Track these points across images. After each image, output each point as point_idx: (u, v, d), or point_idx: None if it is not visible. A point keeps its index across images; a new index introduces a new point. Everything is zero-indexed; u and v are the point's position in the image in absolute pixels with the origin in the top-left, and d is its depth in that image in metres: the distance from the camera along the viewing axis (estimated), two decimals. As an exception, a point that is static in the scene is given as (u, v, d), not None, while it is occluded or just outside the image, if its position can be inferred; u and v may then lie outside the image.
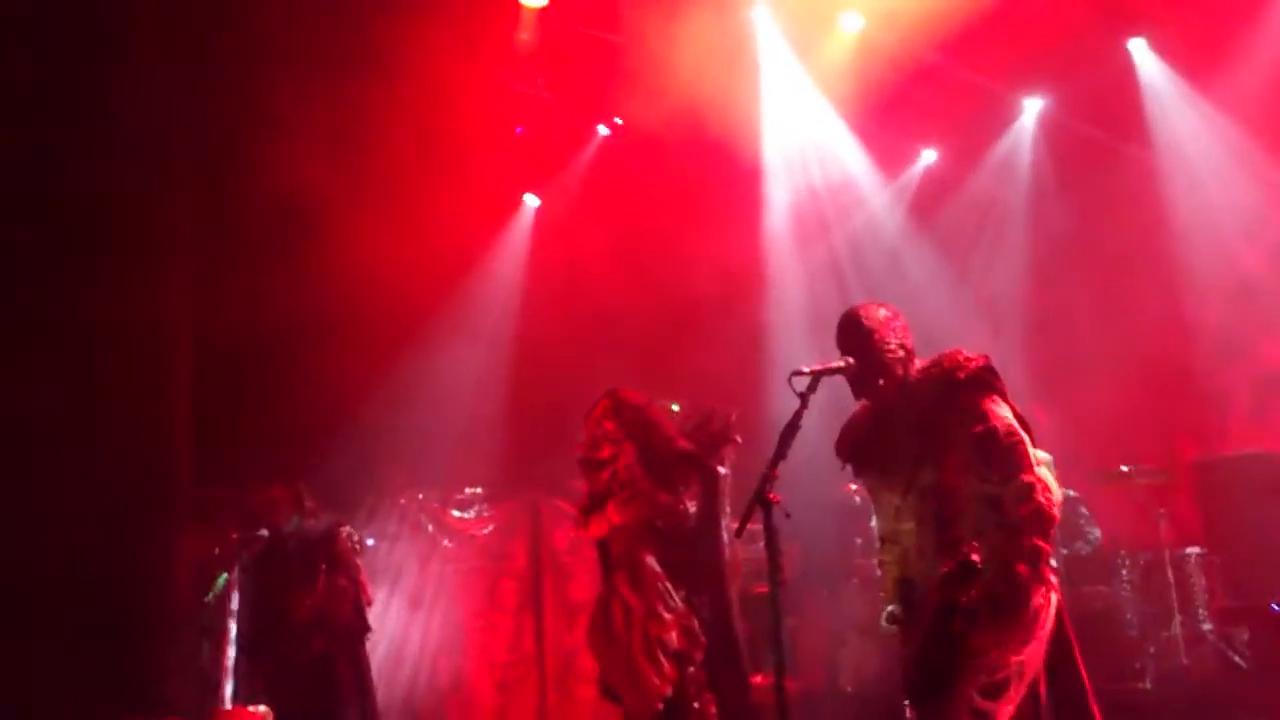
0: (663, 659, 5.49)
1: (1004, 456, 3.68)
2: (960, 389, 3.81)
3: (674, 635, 5.54)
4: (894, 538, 3.92)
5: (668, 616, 5.55)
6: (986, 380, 3.83)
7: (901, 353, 3.98)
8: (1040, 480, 3.65)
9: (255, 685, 6.34)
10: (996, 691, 3.57)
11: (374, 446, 8.49)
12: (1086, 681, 3.81)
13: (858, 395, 4.07)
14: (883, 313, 4.03)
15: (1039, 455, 3.82)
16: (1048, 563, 3.67)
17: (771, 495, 3.70)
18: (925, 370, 3.95)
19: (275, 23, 7.92)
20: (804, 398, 3.83)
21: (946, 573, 3.56)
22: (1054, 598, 3.70)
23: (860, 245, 9.80)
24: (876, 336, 3.96)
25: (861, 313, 4.04)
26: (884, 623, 3.93)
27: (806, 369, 3.88)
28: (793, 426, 3.81)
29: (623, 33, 8.71)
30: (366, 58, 8.07)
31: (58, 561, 6.90)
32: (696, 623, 5.60)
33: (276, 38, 7.93)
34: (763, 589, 7.83)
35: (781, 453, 3.77)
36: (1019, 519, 3.58)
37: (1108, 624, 7.07)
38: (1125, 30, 9.23)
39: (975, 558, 3.55)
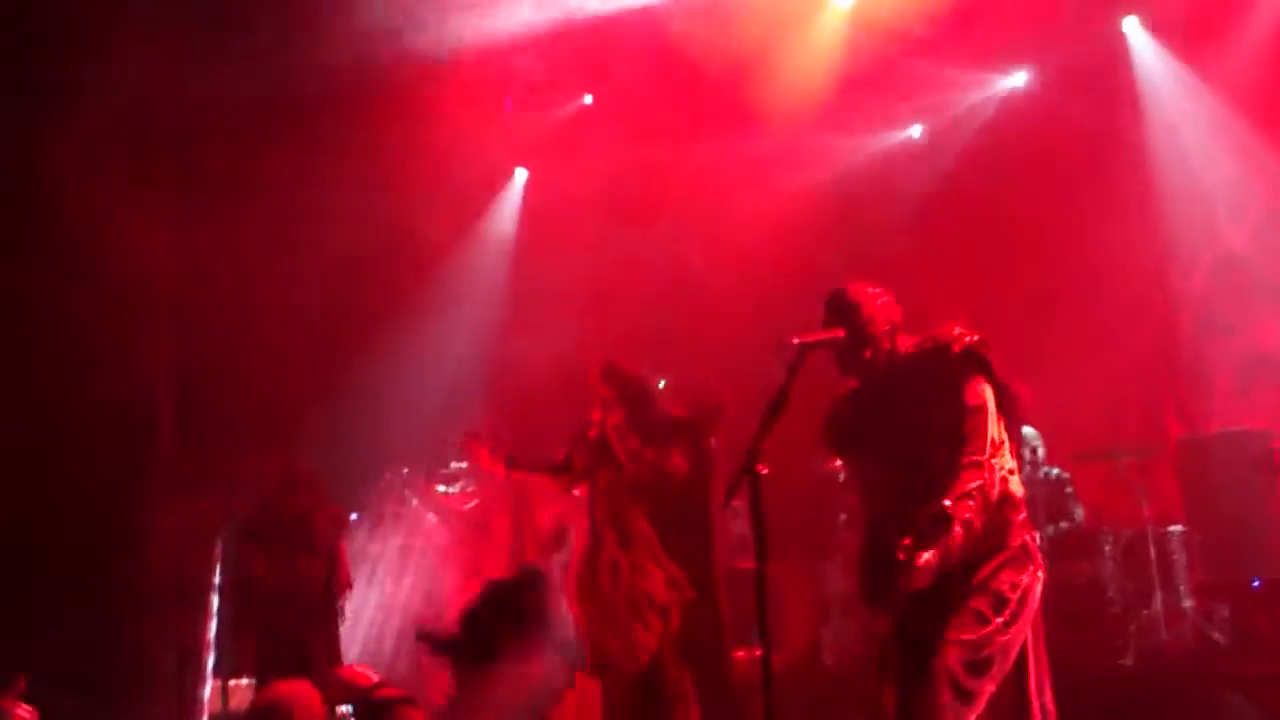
0: (649, 614, 5.52)
1: (967, 431, 3.69)
2: (952, 363, 3.81)
3: (660, 588, 5.57)
4: (877, 513, 3.92)
5: (655, 571, 5.58)
6: (979, 357, 3.83)
7: (889, 327, 3.98)
8: (991, 468, 3.65)
9: (239, 659, 6.36)
10: (980, 669, 3.58)
11: (359, 421, 8.47)
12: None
13: (843, 372, 4.06)
14: (870, 289, 4.03)
15: (1024, 431, 3.84)
16: (1019, 538, 3.70)
17: (760, 467, 3.69)
18: (919, 345, 3.95)
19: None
20: (792, 369, 3.82)
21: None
22: (1040, 577, 3.72)
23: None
24: (864, 311, 3.96)
25: (849, 288, 4.03)
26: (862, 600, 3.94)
27: (796, 340, 3.86)
28: (781, 399, 3.79)
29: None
30: (352, 32, 8.01)
31: (38, 531, 6.88)
32: (683, 574, 5.62)
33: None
34: (747, 564, 7.90)
35: (769, 426, 3.75)
36: (963, 492, 3.60)
37: (1090, 600, 7.11)
38: (1119, 7, 9.22)
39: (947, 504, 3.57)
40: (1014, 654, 3.65)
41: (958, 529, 3.52)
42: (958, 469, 3.62)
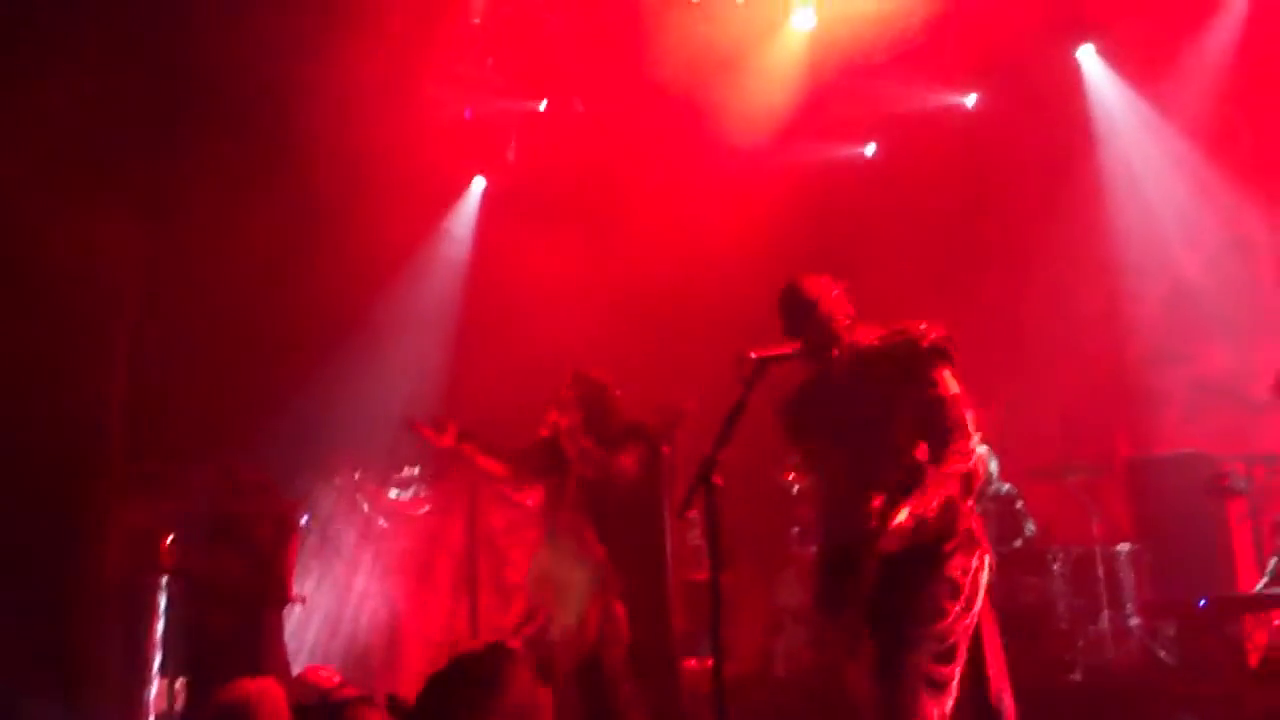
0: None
1: (951, 422, 3.74)
2: (921, 356, 3.86)
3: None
4: (836, 504, 3.95)
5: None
6: (946, 351, 3.89)
7: (848, 321, 4.02)
8: (975, 452, 3.72)
9: (179, 659, 6.27)
10: (948, 657, 3.63)
11: (312, 425, 8.39)
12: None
13: (807, 368, 4.09)
14: (824, 282, 4.07)
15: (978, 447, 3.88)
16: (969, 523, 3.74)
17: (715, 478, 3.69)
18: (885, 338, 3.99)
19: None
20: (749, 383, 3.84)
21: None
22: (988, 561, 3.78)
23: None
24: (822, 308, 3.99)
25: (804, 285, 4.06)
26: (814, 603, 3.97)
27: (753, 354, 3.88)
28: (736, 412, 3.80)
29: (566, 11, 8.73)
30: (316, 44, 7.97)
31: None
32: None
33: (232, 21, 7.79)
34: (701, 576, 7.91)
35: (725, 437, 3.75)
36: (950, 471, 3.64)
37: (1039, 616, 7.17)
38: (1074, 35, 9.35)
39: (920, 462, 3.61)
40: (971, 635, 3.71)
41: (935, 503, 3.57)
42: (945, 455, 3.67)
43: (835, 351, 3.99)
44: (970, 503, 3.81)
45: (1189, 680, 6.53)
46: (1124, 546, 7.54)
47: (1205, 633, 6.86)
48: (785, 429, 4.23)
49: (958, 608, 3.66)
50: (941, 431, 3.72)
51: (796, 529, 8.32)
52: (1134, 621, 7.24)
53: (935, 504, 3.60)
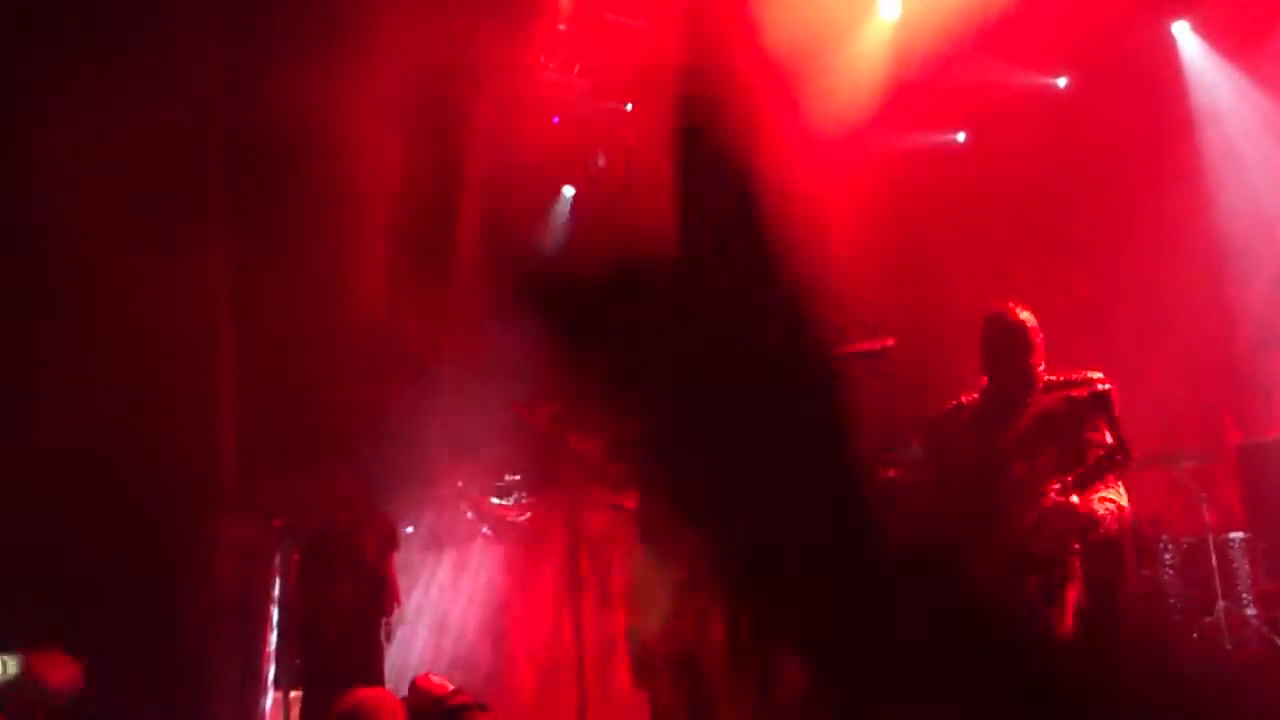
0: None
1: (1107, 469, 3.92)
2: (1088, 404, 4.15)
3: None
4: (955, 525, 4.08)
5: None
6: (1111, 404, 4.19)
7: (1041, 362, 4.33)
8: (1123, 499, 3.88)
9: (291, 672, 6.45)
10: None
11: (416, 436, 8.55)
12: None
13: (989, 387, 4.22)
14: (1033, 319, 4.29)
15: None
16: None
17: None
18: (1060, 384, 4.28)
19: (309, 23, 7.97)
20: (852, 375, 4.03)
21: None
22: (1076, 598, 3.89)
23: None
24: (1035, 354, 4.29)
25: (1023, 320, 4.35)
26: None
27: (853, 349, 4.08)
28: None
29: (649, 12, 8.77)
30: (407, 58, 8.12)
31: (105, 545, 7.01)
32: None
33: (311, 39, 7.97)
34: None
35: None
36: (1108, 499, 3.81)
37: (1151, 608, 7.04)
38: (1167, 11, 9.15)
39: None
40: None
41: (1104, 509, 3.70)
42: (1101, 484, 3.82)
43: (1023, 386, 4.20)
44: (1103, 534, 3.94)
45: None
46: (1237, 535, 7.37)
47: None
48: (932, 432, 4.42)
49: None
50: (1101, 474, 3.86)
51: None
52: (1250, 611, 7.06)
53: (1102, 510, 3.76)
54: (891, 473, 8.03)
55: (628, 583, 5.98)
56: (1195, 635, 6.91)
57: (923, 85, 9.20)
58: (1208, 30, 9.10)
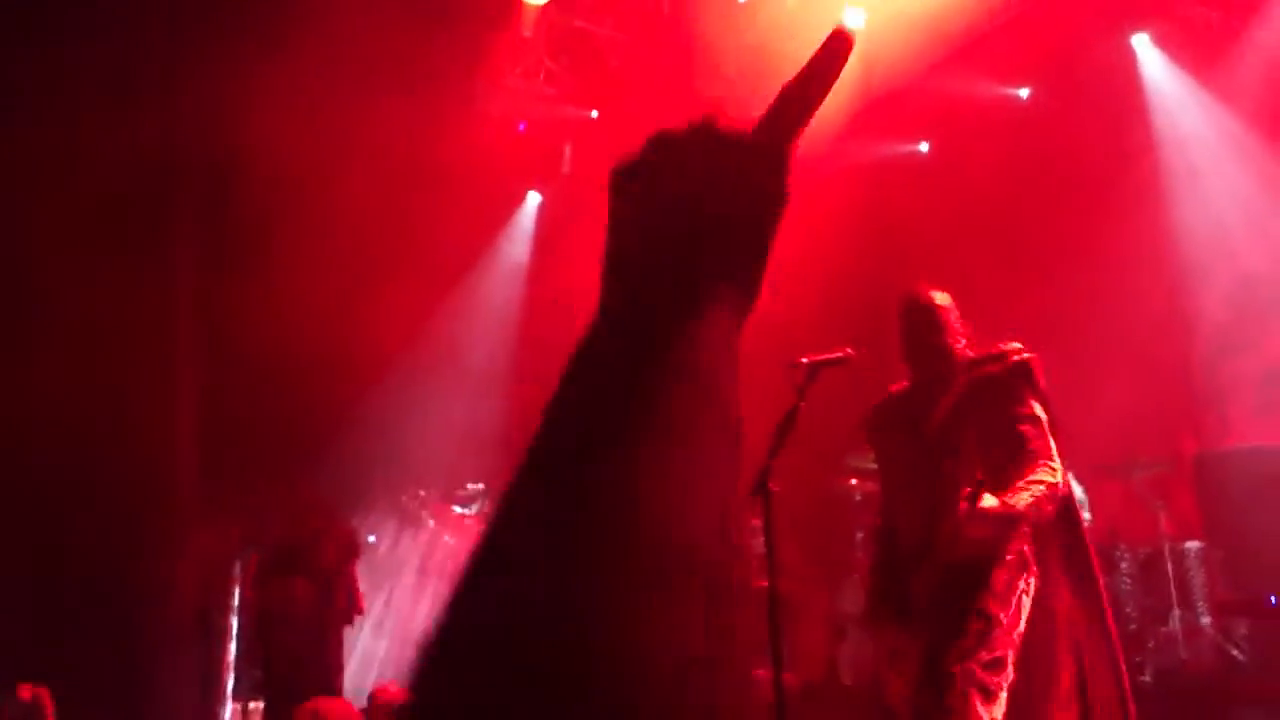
0: None
1: (1036, 444, 3.78)
2: (1008, 377, 3.97)
3: None
4: (907, 514, 4.00)
5: None
6: (1035, 376, 4.00)
7: (963, 342, 4.08)
8: (1057, 475, 3.78)
9: (251, 681, 6.40)
10: (996, 666, 3.66)
11: (378, 446, 8.51)
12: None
13: (911, 374, 4.17)
14: (947, 298, 4.17)
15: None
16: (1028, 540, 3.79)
17: (772, 485, 3.76)
18: (981, 358, 4.09)
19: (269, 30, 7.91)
20: (801, 389, 3.90)
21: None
22: (1034, 585, 3.81)
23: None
24: (949, 331, 4.08)
25: (935, 304, 4.13)
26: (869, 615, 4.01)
27: (805, 359, 3.95)
28: (790, 418, 3.86)
29: (614, 19, 8.78)
30: (366, 68, 8.08)
31: (65, 558, 6.94)
32: None
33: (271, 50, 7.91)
34: (764, 583, 7.89)
35: (779, 445, 3.81)
36: (1038, 480, 3.72)
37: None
38: (1128, 24, 9.23)
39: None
40: (1018, 652, 3.74)
41: (1028, 497, 3.63)
42: (1028, 467, 3.74)
43: (949, 372, 4.09)
44: (1033, 522, 3.84)
45: (1262, 679, 6.41)
46: (1193, 544, 7.43)
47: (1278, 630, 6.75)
48: (868, 433, 4.32)
49: (1003, 616, 3.70)
50: (1028, 453, 3.79)
51: (860, 535, 8.28)
52: (1206, 621, 7.13)
53: (1024, 502, 3.68)
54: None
55: None
56: (1151, 645, 6.96)
57: (887, 96, 9.24)
58: (1168, 44, 9.19)
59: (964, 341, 4.13)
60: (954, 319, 4.14)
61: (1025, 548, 3.84)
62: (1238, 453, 7.78)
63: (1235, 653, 6.96)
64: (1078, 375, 8.35)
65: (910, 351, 4.14)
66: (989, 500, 3.63)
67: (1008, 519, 3.66)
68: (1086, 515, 7.49)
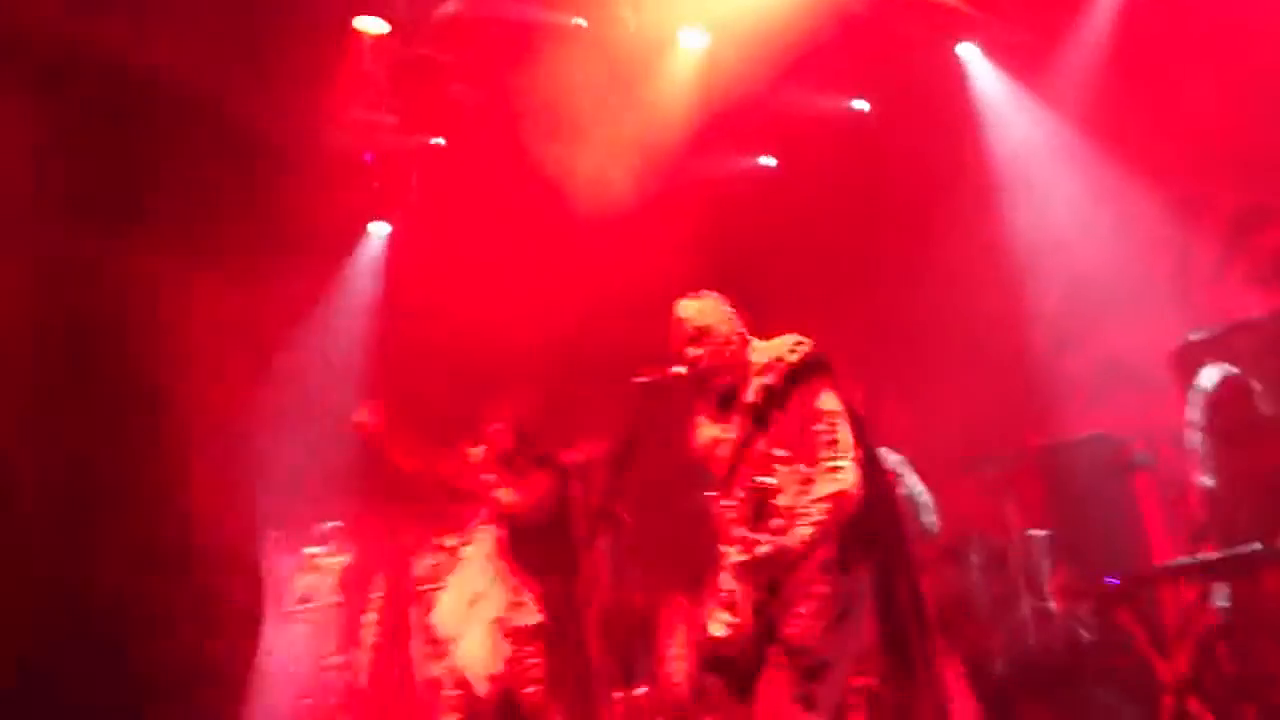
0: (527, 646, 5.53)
1: (827, 441, 3.77)
2: (795, 375, 3.90)
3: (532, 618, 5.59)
4: (724, 528, 4.01)
5: (526, 604, 5.61)
6: (823, 366, 3.92)
7: (737, 343, 4.03)
8: (848, 479, 3.74)
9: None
10: (816, 674, 3.68)
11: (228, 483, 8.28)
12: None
13: (697, 392, 4.13)
14: (712, 302, 4.09)
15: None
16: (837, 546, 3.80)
17: (617, 508, 3.76)
18: (767, 358, 4.02)
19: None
20: (638, 408, 3.89)
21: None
22: (864, 579, 3.84)
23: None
24: (714, 333, 4.01)
25: (694, 310, 4.07)
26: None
27: (639, 378, 3.93)
28: (628, 440, 3.85)
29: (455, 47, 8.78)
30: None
31: None
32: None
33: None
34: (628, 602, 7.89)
35: (622, 466, 3.81)
36: (823, 495, 3.68)
37: (959, 608, 7.29)
38: (955, 34, 9.53)
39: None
40: (848, 660, 3.77)
41: (804, 535, 3.60)
42: (818, 473, 3.70)
43: (725, 376, 4.03)
44: (842, 523, 3.85)
45: (1108, 656, 6.66)
46: (1039, 533, 7.69)
47: (1119, 609, 7.01)
48: (690, 451, 4.29)
49: (822, 625, 3.72)
50: (819, 450, 3.76)
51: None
52: (1053, 606, 7.38)
53: (805, 537, 3.63)
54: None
55: (440, 617, 5.89)
56: (1002, 633, 7.17)
57: (734, 112, 9.40)
58: (994, 51, 9.52)
59: (735, 344, 4.04)
60: (722, 323, 4.05)
61: (841, 548, 3.87)
62: (1076, 443, 8.07)
63: (1083, 633, 7.22)
64: (925, 379, 8.60)
65: (693, 365, 4.05)
66: (763, 547, 3.60)
67: (784, 557, 3.63)
68: (933, 519, 7.72)
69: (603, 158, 9.13)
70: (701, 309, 4.10)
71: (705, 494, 8.12)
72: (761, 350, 4.03)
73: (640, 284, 9.00)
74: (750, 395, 3.96)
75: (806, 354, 3.94)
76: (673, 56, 9.28)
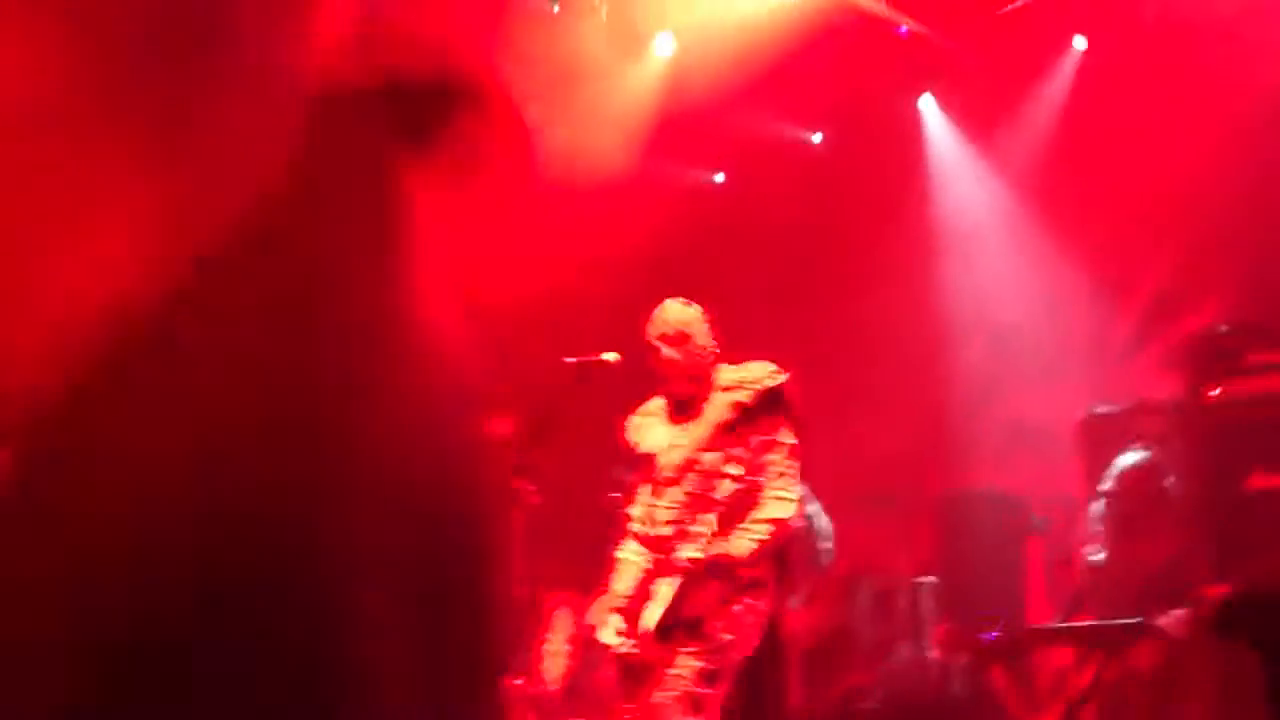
0: None
1: (781, 470, 3.89)
2: (771, 400, 4.03)
3: None
4: (654, 532, 4.06)
5: None
6: (786, 399, 4.06)
7: (713, 354, 4.12)
8: (789, 508, 3.86)
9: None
10: (711, 679, 3.78)
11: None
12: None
13: (664, 390, 4.18)
14: (694, 311, 4.18)
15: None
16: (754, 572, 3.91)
17: (522, 484, 3.77)
18: (735, 378, 4.13)
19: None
20: (571, 387, 3.95)
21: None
22: (767, 605, 3.95)
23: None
24: (696, 339, 4.09)
25: (682, 310, 4.16)
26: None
27: (569, 359, 4.00)
28: (546, 418, 3.89)
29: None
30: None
31: None
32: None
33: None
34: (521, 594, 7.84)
35: (531, 442, 3.83)
36: (767, 518, 3.81)
37: (840, 645, 7.40)
38: (918, 85, 9.71)
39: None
40: (738, 669, 3.88)
41: (748, 549, 3.71)
42: (767, 501, 3.83)
43: (690, 385, 4.10)
44: (779, 548, 3.98)
45: (976, 713, 6.81)
46: (927, 579, 7.84)
47: (993, 666, 7.17)
48: (625, 447, 4.33)
49: (727, 639, 3.82)
50: (770, 476, 3.88)
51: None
52: (932, 654, 7.52)
53: (748, 550, 3.77)
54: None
55: None
56: (877, 673, 7.30)
57: (691, 123, 9.44)
58: (950, 105, 9.71)
59: (707, 358, 4.15)
60: (694, 334, 4.16)
61: (764, 573, 3.98)
62: (975, 495, 8.25)
63: (955, 684, 7.37)
64: (843, 411, 8.72)
65: (660, 371, 4.15)
66: (716, 546, 3.72)
67: (726, 567, 3.76)
68: (829, 546, 7.84)
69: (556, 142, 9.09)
70: (686, 314, 4.23)
71: (611, 492, 8.21)
72: (731, 371, 4.13)
73: (583, 279, 9.06)
74: (716, 409, 4.04)
75: (783, 385, 4.03)
76: (640, 57, 9.29)
